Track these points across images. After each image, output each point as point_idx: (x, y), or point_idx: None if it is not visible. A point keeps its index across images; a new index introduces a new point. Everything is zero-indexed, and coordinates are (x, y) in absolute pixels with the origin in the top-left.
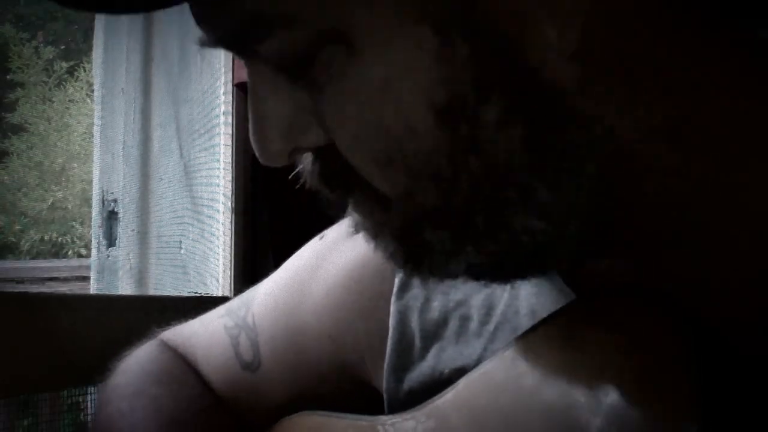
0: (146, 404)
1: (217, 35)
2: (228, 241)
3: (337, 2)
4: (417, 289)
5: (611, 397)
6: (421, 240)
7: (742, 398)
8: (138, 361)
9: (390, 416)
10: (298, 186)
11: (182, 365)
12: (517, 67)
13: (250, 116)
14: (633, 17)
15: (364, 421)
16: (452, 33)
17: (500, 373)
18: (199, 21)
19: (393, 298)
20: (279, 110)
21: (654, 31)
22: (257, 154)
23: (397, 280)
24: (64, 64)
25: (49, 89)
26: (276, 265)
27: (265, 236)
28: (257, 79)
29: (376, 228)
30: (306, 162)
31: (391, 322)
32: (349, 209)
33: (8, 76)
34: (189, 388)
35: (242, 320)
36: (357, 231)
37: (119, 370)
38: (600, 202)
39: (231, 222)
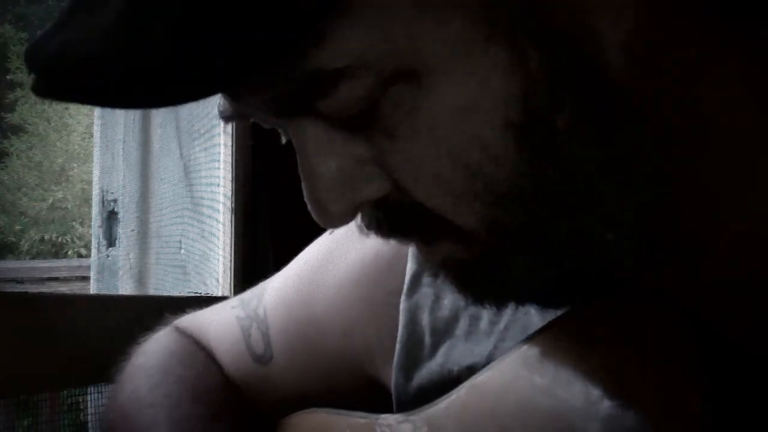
0: (174, 381)
1: (265, 101)
2: (228, 241)
3: (402, 36)
4: (427, 288)
5: (610, 403)
6: (505, 266)
7: (743, 397)
8: (159, 344)
9: (390, 416)
10: (299, 185)
11: (201, 351)
12: (581, 67)
13: (303, 179)
14: (673, 13)
15: (364, 419)
16: (522, 43)
17: (500, 380)
18: (241, 93)
19: (403, 297)
20: (336, 168)
21: (690, 24)
22: (316, 219)
23: (407, 278)
24: None
25: None
26: (276, 264)
27: (265, 236)
28: (306, 139)
29: (455, 269)
30: (367, 214)
31: (401, 319)
32: (419, 254)
33: (8, 76)
34: (213, 372)
35: (254, 312)
36: (433, 276)
37: (140, 351)
38: (656, 205)
39: (231, 222)
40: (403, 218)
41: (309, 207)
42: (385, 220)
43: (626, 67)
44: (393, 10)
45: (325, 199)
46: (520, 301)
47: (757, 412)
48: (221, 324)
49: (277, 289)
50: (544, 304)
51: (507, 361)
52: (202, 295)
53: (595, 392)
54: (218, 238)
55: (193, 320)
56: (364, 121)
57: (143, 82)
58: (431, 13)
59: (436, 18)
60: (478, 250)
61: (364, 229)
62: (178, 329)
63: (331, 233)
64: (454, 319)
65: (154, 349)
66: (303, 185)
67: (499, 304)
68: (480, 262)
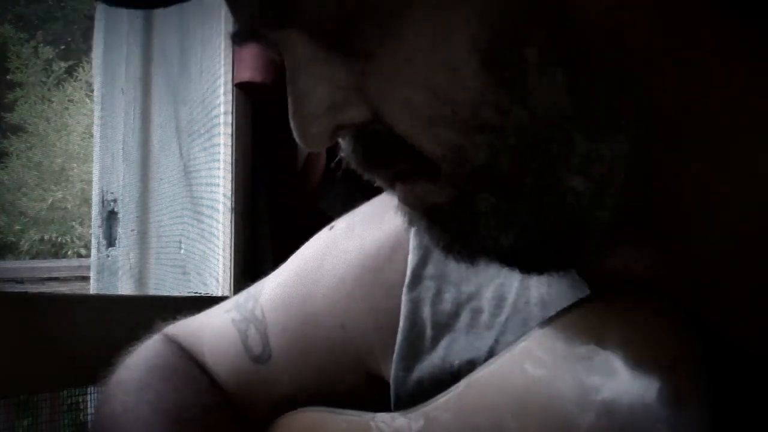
0: (151, 399)
1: (255, 8)
2: (228, 241)
3: None
4: (429, 281)
5: (603, 393)
6: (473, 209)
7: (742, 397)
8: (142, 356)
9: (385, 414)
10: (299, 185)
11: (187, 360)
12: (554, 4)
13: (289, 99)
14: None
15: (359, 417)
16: None
17: (497, 374)
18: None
19: (405, 290)
20: (319, 89)
21: None
22: (298, 139)
23: (409, 272)
24: (63, 64)
25: (48, 89)
26: (276, 265)
27: (265, 236)
28: (295, 60)
29: (426, 212)
30: (346, 146)
31: (403, 312)
32: (398, 200)
33: (7, 76)
34: (195, 383)
35: (250, 313)
36: (409, 223)
37: (123, 365)
38: (633, 164)
39: (231, 222)
40: (379, 149)
41: (292, 126)
42: (363, 151)
43: (604, 15)
44: None
45: (307, 118)
46: (490, 254)
47: (757, 412)
48: (216, 328)
49: (274, 288)
50: (514, 263)
51: (506, 356)
52: (202, 295)
53: (590, 383)
54: (218, 238)
55: (184, 327)
56: (345, 38)
57: None
58: None
59: None
60: (448, 191)
61: (345, 161)
62: (166, 337)
63: (330, 229)
64: (455, 314)
65: (136, 362)
66: (289, 104)
67: (469, 255)
68: (450, 206)
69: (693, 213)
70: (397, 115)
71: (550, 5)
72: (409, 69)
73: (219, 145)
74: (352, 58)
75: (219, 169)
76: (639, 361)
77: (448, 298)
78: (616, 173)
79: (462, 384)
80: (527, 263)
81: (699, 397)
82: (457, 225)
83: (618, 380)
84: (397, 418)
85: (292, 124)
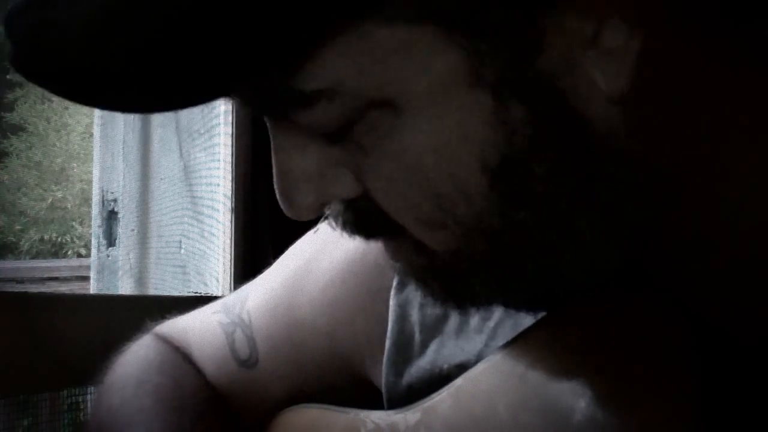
0: (149, 392)
1: (249, 103)
2: (228, 241)
3: (384, 73)
4: None
5: (598, 388)
6: (467, 284)
7: (741, 389)
8: (137, 353)
9: (380, 411)
10: None
11: (181, 357)
12: (568, 119)
13: (274, 170)
14: (679, 51)
15: (355, 414)
16: (508, 95)
17: (493, 371)
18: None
19: (393, 292)
20: (308, 165)
21: (699, 61)
22: (284, 209)
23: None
24: None
25: None
26: None
27: (265, 236)
28: (283, 136)
29: (418, 272)
30: (335, 209)
31: (391, 316)
32: (387, 254)
33: (7, 76)
34: (191, 377)
35: (237, 316)
36: (400, 276)
37: (118, 363)
38: (637, 232)
39: (231, 222)
40: (369, 221)
41: (277, 196)
42: (352, 219)
43: (618, 118)
44: (374, 49)
45: (294, 192)
46: (484, 306)
47: (756, 404)
48: (203, 329)
49: (261, 292)
50: (510, 308)
51: (501, 355)
52: (202, 295)
53: (590, 381)
54: (218, 238)
55: (174, 326)
56: (340, 135)
57: (117, 82)
58: (415, 58)
59: (419, 61)
60: (442, 266)
61: (331, 221)
62: (157, 336)
63: (315, 231)
64: (444, 316)
65: (132, 359)
66: (274, 175)
67: (459, 308)
68: (440, 271)
69: (697, 218)
70: (394, 209)
71: (561, 120)
72: (409, 173)
73: (219, 145)
74: (348, 148)
75: (219, 169)
76: (631, 362)
77: None
78: (615, 247)
79: (459, 380)
80: (516, 308)
81: (691, 405)
82: (448, 288)
83: (615, 382)
84: (392, 415)
85: (277, 195)
